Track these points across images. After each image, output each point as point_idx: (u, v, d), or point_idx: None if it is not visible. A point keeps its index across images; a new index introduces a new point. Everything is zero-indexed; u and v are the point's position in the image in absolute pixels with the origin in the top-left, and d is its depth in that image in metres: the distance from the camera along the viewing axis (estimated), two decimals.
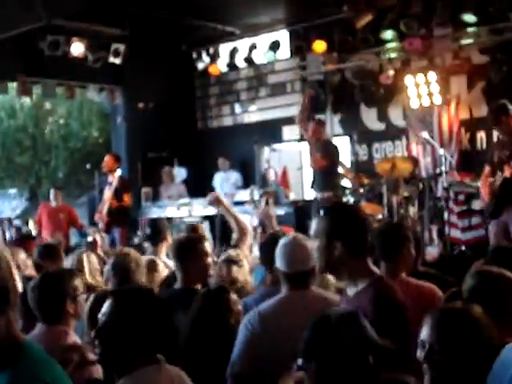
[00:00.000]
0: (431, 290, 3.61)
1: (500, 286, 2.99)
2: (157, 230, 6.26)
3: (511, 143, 6.71)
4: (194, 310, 3.49)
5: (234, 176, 11.92)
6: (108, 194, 9.80)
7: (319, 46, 10.95)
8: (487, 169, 7.06)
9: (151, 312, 2.47)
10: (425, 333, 2.23)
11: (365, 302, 2.58)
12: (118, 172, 9.94)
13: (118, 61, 11.29)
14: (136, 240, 10.06)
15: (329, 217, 2.75)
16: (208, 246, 4.26)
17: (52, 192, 10.80)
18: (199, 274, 4.13)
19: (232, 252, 4.53)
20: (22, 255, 5.58)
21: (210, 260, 4.22)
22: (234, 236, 5.15)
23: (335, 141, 9.92)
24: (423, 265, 5.02)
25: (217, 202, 5.25)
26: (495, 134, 9.54)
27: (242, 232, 5.01)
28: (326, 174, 9.08)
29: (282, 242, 3.30)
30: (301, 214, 10.07)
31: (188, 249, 4.17)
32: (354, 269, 2.68)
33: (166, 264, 5.39)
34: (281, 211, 10.21)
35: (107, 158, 10.18)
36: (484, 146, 9.80)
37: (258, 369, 3.07)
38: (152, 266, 4.90)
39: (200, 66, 12.48)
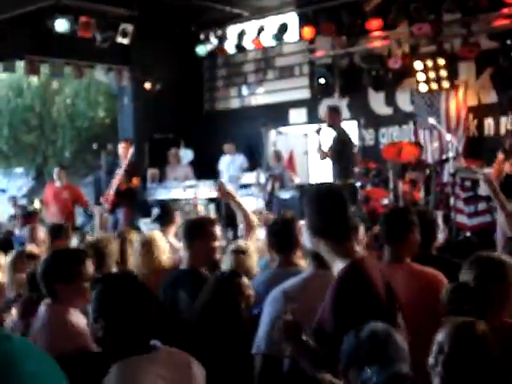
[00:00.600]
0: (435, 276, 3.60)
1: (504, 272, 3.03)
2: (166, 212, 6.30)
3: None
4: (206, 293, 3.52)
5: (240, 159, 11.93)
6: (118, 176, 9.84)
7: (307, 32, 10.97)
8: (500, 156, 7.04)
9: (136, 299, 2.47)
10: (442, 339, 2.24)
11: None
12: (130, 154, 9.97)
13: (125, 41, 11.27)
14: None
15: (302, 199, 2.73)
16: (217, 229, 4.29)
17: (56, 171, 10.73)
18: (205, 256, 4.17)
19: (241, 242, 4.56)
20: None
21: (217, 243, 4.25)
22: (241, 228, 5.14)
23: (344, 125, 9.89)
24: None
25: (225, 194, 5.23)
26: (503, 122, 9.56)
27: (250, 226, 4.99)
28: (336, 163, 9.14)
29: None
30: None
31: (197, 229, 4.20)
32: (332, 249, 2.61)
33: (172, 245, 5.43)
34: (286, 195, 10.22)
35: (125, 145, 10.22)
36: (492, 132, 9.78)
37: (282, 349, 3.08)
38: (148, 247, 4.91)
39: (208, 47, 12.42)
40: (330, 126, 9.46)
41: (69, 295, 3.27)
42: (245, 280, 3.53)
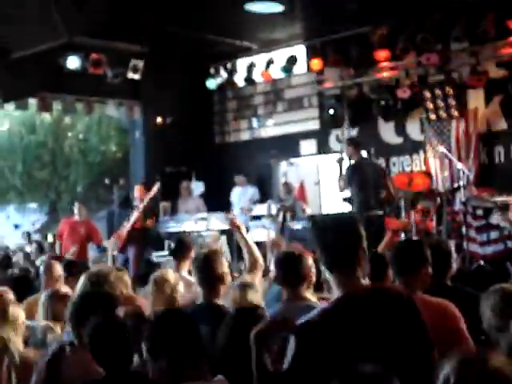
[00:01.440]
0: (446, 307, 3.59)
1: None
2: (181, 246, 6.30)
3: None
4: (226, 329, 3.50)
5: (251, 191, 11.96)
6: (135, 215, 9.92)
7: (315, 64, 11.08)
8: None
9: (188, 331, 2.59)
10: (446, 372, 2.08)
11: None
12: (153, 191, 10.08)
13: (136, 76, 11.39)
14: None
15: (312, 228, 2.69)
16: (224, 259, 4.31)
17: (76, 205, 10.84)
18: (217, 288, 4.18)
19: (246, 277, 4.56)
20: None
21: (225, 271, 4.25)
22: (246, 264, 5.13)
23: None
24: None
25: (235, 226, 5.24)
26: None
27: (254, 264, 4.98)
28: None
29: None
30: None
31: (204, 263, 4.22)
32: (334, 280, 2.56)
33: (185, 280, 5.41)
34: (298, 226, 10.22)
35: (139, 188, 10.47)
36: (502, 159, 9.76)
37: None
38: (161, 286, 4.89)
39: (218, 80, 12.54)
40: (349, 157, 9.50)
41: None
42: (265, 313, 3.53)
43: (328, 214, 3.07)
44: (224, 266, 4.30)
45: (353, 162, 9.41)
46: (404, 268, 3.70)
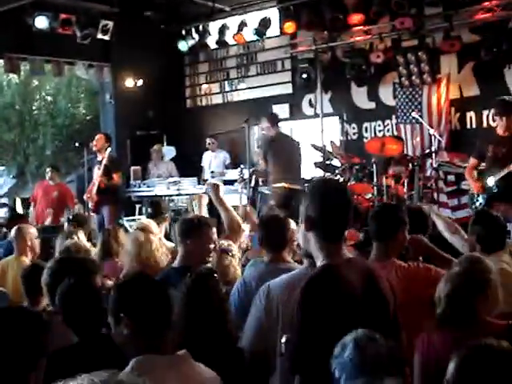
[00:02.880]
0: (421, 273, 3.61)
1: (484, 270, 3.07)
2: (158, 209, 6.24)
3: (508, 140, 6.69)
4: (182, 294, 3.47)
5: (222, 155, 11.90)
6: (98, 172, 9.72)
7: (289, 27, 11.00)
8: (473, 161, 7.11)
9: (157, 296, 2.53)
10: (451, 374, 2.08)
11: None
12: (108, 150, 9.85)
13: (106, 37, 11.19)
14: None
15: (306, 194, 2.63)
16: (214, 232, 4.28)
17: (47, 171, 10.80)
18: (199, 256, 4.15)
19: (224, 242, 4.53)
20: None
21: (212, 246, 4.24)
22: (225, 228, 5.09)
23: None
24: None
25: (218, 196, 5.19)
26: (485, 115, 9.60)
27: (234, 231, 4.94)
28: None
29: None
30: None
31: (194, 229, 4.18)
32: (320, 250, 2.53)
33: (164, 244, 5.39)
34: (269, 191, 10.19)
35: (98, 137, 10.06)
36: (474, 125, 9.81)
37: (268, 346, 3.06)
38: (142, 244, 4.90)
39: (190, 43, 12.35)
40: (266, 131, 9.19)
41: None
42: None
43: (322, 184, 2.92)
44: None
45: (270, 136, 9.09)
46: (380, 233, 3.71)
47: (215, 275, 3.46)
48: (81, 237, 5.74)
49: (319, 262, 2.53)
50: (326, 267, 2.48)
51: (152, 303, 2.49)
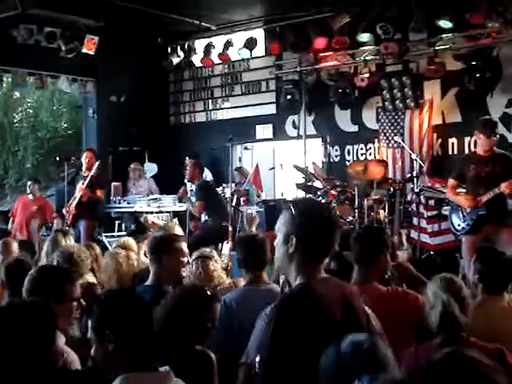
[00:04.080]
0: (401, 298, 3.59)
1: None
2: (141, 226, 6.19)
3: (490, 160, 6.64)
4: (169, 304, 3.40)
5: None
6: (81, 186, 9.61)
7: (274, 48, 11.11)
8: (452, 182, 6.97)
9: (141, 313, 2.50)
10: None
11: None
12: (97, 164, 9.75)
13: (91, 52, 11.15)
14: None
15: (291, 211, 2.55)
16: (185, 245, 4.23)
17: (28, 184, 10.80)
18: (172, 273, 4.10)
19: (205, 249, 4.51)
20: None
21: (185, 259, 4.19)
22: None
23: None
24: None
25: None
26: (467, 141, 9.66)
27: None
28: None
29: None
30: (271, 213, 10.04)
31: (164, 246, 4.13)
32: (301, 269, 2.48)
33: (144, 262, 5.32)
34: (251, 210, 10.17)
35: (88, 155, 9.96)
36: (456, 151, 9.87)
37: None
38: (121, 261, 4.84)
39: (175, 60, 12.35)
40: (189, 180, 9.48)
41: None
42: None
43: (309, 203, 2.93)
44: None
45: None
46: (362, 256, 3.68)
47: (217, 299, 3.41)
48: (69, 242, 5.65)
49: (296, 281, 2.48)
50: (304, 286, 2.43)
51: (137, 319, 2.47)
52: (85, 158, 9.88)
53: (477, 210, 6.65)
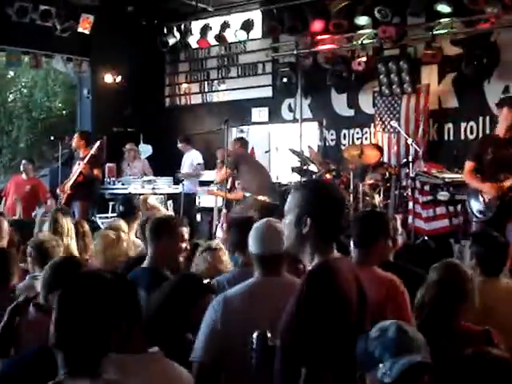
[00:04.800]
0: (395, 283, 3.58)
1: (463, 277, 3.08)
2: (130, 206, 6.15)
3: (510, 142, 6.29)
4: (164, 294, 3.40)
5: (192, 155, 11.62)
6: (78, 166, 9.59)
7: (271, 30, 11.01)
8: (470, 164, 6.50)
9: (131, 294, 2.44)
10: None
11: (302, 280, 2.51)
12: (98, 143, 9.74)
13: (86, 31, 11.06)
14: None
15: (304, 191, 2.58)
16: (186, 230, 4.21)
17: (22, 164, 10.73)
18: (170, 257, 4.08)
19: (211, 241, 4.52)
20: None
21: (184, 245, 4.17)
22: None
23: None
24: None
25: None
26: (463, 127, 9.64)
27: None
28: None
29: (256, 224, 3.26)
30: None
31: (165, 229, 4.11)
32: (317, 248, 2.51)
33: (134, 243, 5.31)
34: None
35: (75, 136, 10.05)
36: (452, 137, 9.85)
37: (221, 361, 3.02)
38: (114, 243, 4.83)
39: (171, 41, 12.26)
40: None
41: None
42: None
43: (321, 183, 3.07)
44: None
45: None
46: (363, 239, 3.66)
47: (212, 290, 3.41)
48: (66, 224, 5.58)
49: (314, 260, 2.50)
50: (325, 264, 2.47)
51: (123, 300, 2.42)
52: (76, 141, 9.91)
53: (498, 199, 6.25)
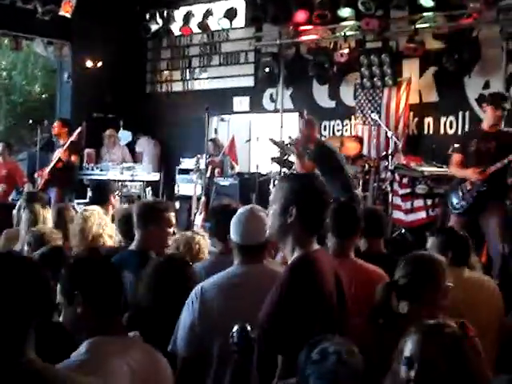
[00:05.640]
0: (376, 273, 3.61)
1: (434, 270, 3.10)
2: (99, 192, 6.10)
3: (494, 136, 6.42)
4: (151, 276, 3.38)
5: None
6: (58, 154, 9.51)
7: (254, 19, 11.00)
8: (458, 156, 6.63)
9: (110, 275, 2.47)
10: (412, 350, 2.16)
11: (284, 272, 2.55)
12: (79, 130, 9.66)
13: (68, 15, 10.95)
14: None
15: (291, 183, 2.64)
16: (173, 215, 4.21)
17: (0, 146, 10.59)
18: (158, 241, 4.09)
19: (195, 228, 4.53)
20: None
21: (171, 230, 4.17)
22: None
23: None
24: None
25: None
26: (443, 121, 9.70)
27: None
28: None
29: (238, 212, 3.25)
30: (245, 186, 10.04)
31: (152, 215, 4.10)
32: (299, 239, 2.56)
33: (110, 227, 5.27)
34: (225, 182, 10.16)
35: (56, 124, 9.94)
36: (431, 131, 9.90)
37: (204, 353, 3.02)
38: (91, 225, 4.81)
39: (153, 27, 12.18)
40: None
41: None
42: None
43: (307, 176, 3.16)
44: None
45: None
46: (342, 230, 3.69)
47: (190, 263, 3.42)
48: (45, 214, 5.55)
49: (295, 251, 2.55)
50: (306, 257, 2.52)
51: (107, 281, 2.44)
52: (53, 127, 9.83)
53: (477, 187, 6.45)
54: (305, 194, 2.57)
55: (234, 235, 3.19)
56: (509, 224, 6.48)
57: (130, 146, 12.14)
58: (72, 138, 9.48)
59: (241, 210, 3.27)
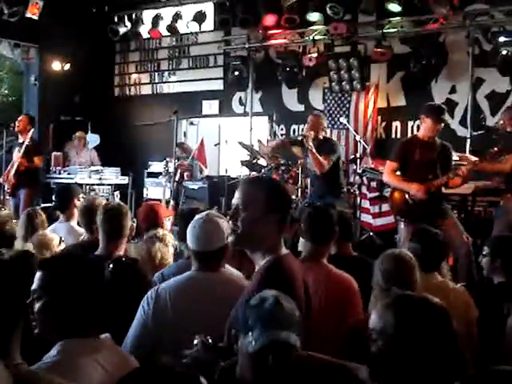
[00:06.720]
0: (345, 279, 3.62)
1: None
2: (61, 198, 5.99)
3: (431, 146, 6.25)
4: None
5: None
6: (18, 154, 9.35)
7: (223, 22, 10.96)
8: (393, 164, 6.39)
9: (85, 278, 2.43)
10: (381, 323, 2.13)
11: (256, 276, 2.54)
12: (31, 132, 9.49)
13: (35, 17, 10.82)
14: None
15: (261, 187, 2.60)
16: (129, 219, 4.18)
17: None
18: (121, 244, 4.07)
19: (159, 231, 4.48)
20: None
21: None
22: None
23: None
24: None
25: None
26: (410, 125, 9.79)
27: None
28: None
29: (195, 218, 3.22)
30: (214, 189, 10.01)
31: (116, 219, 4.07)
32: (272, 244, 2.55)
33: (74, 231, 5.22)
34: (194, 186, 10.13)
35: (21, 118, 9.69)
36: (399, 135, 9.99)
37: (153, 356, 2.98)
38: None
39: (121, 30, 12.10)
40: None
41: None
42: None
43: (271, 179, 3.15)
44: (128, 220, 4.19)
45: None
46: (318, 236, 3.69)
47: (138, 262, 3.40)
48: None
49: (265, 255, 2.54)
50: (279, 260, 2.53)
51: (77, 283, 2.39)
52: (17, 122, 9.60)
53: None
54: (277, 199, 2.56)
55: (189, 241, 3.18)
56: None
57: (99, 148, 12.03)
58: (26, 142, 9.30)
59: (197, 216, 3.23)
